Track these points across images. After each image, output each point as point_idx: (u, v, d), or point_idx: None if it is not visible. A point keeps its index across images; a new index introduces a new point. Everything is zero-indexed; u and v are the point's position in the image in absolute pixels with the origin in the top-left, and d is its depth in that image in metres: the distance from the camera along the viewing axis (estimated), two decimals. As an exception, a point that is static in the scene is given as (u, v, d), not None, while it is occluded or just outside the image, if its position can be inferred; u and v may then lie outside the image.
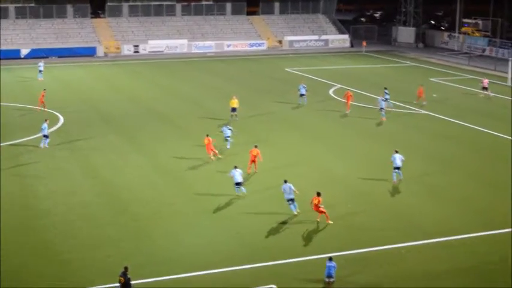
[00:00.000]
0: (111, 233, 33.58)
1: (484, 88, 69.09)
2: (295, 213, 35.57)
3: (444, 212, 36.56)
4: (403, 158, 41.51)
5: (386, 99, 60.57)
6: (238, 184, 38.22)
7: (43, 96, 60.04)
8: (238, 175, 38.13)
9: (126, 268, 26.18)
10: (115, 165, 44.83)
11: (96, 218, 35.57)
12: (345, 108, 59.55)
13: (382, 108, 57.14)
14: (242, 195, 38.32)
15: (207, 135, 45.73)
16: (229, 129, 47.65)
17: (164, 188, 40.28)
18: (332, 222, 34.51)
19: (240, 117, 56.25)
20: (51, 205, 37.34)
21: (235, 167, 38.55)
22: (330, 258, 28.44)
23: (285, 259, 30.62)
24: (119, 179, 41.88)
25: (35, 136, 50.47)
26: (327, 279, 28.12)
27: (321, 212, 34.41)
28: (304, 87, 63.62)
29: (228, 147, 47.05)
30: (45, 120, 49.37)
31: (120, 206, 37.34)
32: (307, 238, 33.16)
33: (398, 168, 41.37)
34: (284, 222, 34.82)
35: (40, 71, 77.10)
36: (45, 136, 48.44)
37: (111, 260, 30.30)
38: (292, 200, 35.54)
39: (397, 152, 41.75)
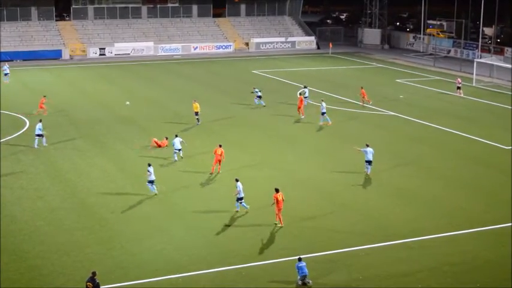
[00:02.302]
0: (79, 238, 33.30)
1: (458, 88, 70.01)
2: (248, 207, 36.41)
3: (411, 213, 36.80)
4: (373, 152, 42.37)
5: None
6: (151, 182, 39.06)
7: (43, 102, 59.73)
8: (153, 173, 38.99)
9: (94, 273, 25.93)
10: (81, 169, 44.48)
11: (63, 223, 35.26)
12: (304, 112, 59.04)
13: (324, 113, 56.05)
14: (152, 194, 39.02)
15: (166, 138, 48.68)
16: (180, 141, 46.09)
17: (131, 191, 39.97)
18: (282, 226, 34.66)
19: (205, 120, 56.24)
20: (18, 210, 36.94)
21: (149, 165, 39.30)
22: (300, 259, 28.55)
23: (255, 262, 30.63)
24: (86, 183, 41.55)
25: (1, 140, 50.09)
26: (300, 281, 28.13)
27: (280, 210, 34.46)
28: (257, 91, 64.09)
29: (175, 159, 45.91)
30: (40, 121, 49.81)
31: (87, 211, 37.07)
32: (276, 240, 33.15)
33: (369, 162, 42.39)
34: (252, 225, 34.82)
35: (6, 74, 76.43)
36: (38, 135, 48.85)
37: (79, 265, 30.07)
38: (243, 198, 36.31)
39: (368, 145, 42.69)
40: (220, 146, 43.25)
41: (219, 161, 42.64)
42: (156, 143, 48.90)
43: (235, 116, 59.92)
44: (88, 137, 52.56)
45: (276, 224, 34.62)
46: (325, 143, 51.28)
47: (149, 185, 39.10)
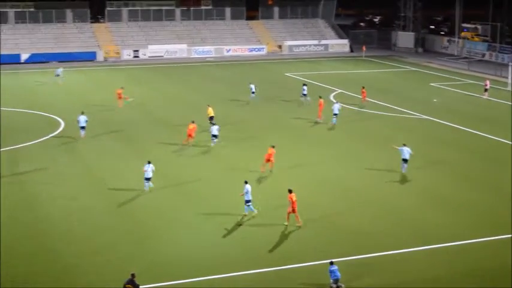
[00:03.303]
0: (112, 238, 33.55)
1: (486, 90, 69.70)
2: (256, 212, 36.21)
3: (443, 217, 36.52)
4: (411, 152, 43.07)
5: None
6: (147, 179, 40.05)
7: (120, 93, 63.45)
8: (150, 171, 39.88)
9: (133, 275, 25.97)
10: (116, 170, 44.82)
11: (96, 223, 35.56)
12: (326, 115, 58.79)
13: (335, 114, 56.33)
14: (150, 190, 39.94)
15: (193, 122, 50.20)
16: (218, 129, 49.83)
17: (165, 192, 40.16)
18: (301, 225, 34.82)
19: (235, 121, 56.56)
20: (52, 210, 37.32)
21: (149, 162, 40.13)
22: (332, 262, 28.51)
23: (288, 264, 30.62)
24: (120, 184, 41.81)
25: (37, 141, 50.72)
26: (334, 285, 28.06)
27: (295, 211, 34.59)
28: (251, 87, 67.44)
29: (212, 144, 49.12)
30: (82, 113, 52.14)
31: (121, 211, 37.33)
32: (309, 243, 33.11)
33: (405, 160, 43.05)
34: (285, 226, 34.77)
35: (57, 75, 77.83)
36: (82, 127, 51.33)
37: (112, 265, 30.32)
38: (250, 201, 36.05)
39: (404, 145, 43.48)
40: (273, 146, 43.79)
41: (269, 160, 43.25)
42: (188, 133, 49.68)
43: (265, 118, 59.98)
44: (123, 138, 52.96)
45: (285, 225, 34.74)
46: (355, 145, 51.01)
47: (145, 182, 39.99)
